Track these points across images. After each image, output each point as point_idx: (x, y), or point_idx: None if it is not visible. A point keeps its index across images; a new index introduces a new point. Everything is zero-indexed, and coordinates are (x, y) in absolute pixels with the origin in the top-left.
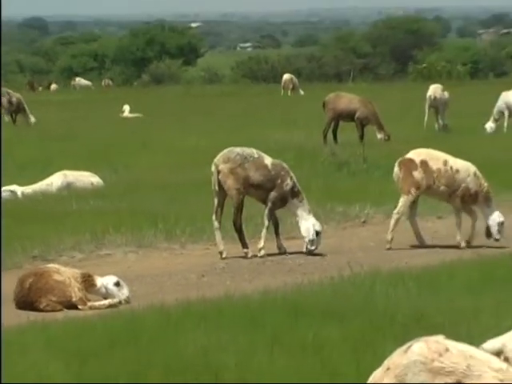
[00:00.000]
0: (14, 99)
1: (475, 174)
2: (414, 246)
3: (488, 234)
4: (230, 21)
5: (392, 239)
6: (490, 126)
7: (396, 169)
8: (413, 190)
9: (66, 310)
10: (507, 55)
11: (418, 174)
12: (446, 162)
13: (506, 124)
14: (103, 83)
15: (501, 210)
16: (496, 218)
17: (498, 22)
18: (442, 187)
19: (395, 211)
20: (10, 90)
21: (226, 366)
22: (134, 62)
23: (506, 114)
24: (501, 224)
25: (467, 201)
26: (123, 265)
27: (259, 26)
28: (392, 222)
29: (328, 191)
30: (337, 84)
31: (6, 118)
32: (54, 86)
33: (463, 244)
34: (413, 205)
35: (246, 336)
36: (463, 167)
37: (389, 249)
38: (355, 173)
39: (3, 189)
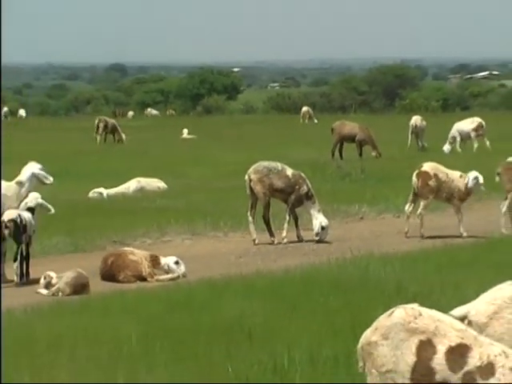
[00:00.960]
0: (109, 124)
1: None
2: (400, 236)
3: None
4: (262, 66)
5: (408, 231)
6: (446, 147)
7: (414, 179)
8: (430, 195)
9: (138, 282)
10: (470, 94)
11: (432, 183)
12: (447, 175)
13: (458, 146)
14: (167, 113)
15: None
16: None
17: (463, 69)
18: (445, 193)
19: (419, 212)
20: (106, 117)
21: (255, 325)
22: (190, 97)
23: (458, 138)
24: None
25: (460, 200)
26: (181, 248)
27: (284, 71)
28: (420, 219)
29: (334, 195)
30: (342, 114)
31: (98, 138)
32: (130, 114)
33: (465, 234)
34: (421, 205)
35: (271, 303)
36: (456, 177)
37: (407, 236)
38: (355, 181)
39: (93, 191)
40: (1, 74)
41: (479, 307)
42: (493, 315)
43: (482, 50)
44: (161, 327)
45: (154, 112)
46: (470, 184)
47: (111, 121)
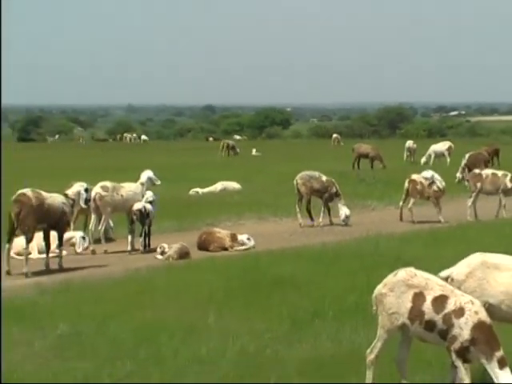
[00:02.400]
0: (230, 144)
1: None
2: (398, 222)
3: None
4: (306, 107)
5: (402, 218)
6: (423, 160)
7: (406, 184)
8: (417, 196)
9: (222, 251)
10: (446, 126)
11: (418, 187)
12: (432, 179)
13: (431, 161)
14: (243, 138)
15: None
16: None
17: (441, 110)
18: (426, 194)
19: (409, 206)
20: (231, 141)
21: (301, 281)
22: (257, 127)
23: (433, 156)
24: None
25: (435, 197)
26: (251, 229)
27: (321, 110)
28: (410, 211)
29: (354, 193)
30: (359, 139)
31: (223, 154)
32: (236, 138)
33: (442, 220)
34: (410, 202)
35: (312, 266)
36: (440, 182)
37: (402, 221)
38: (368, 184)
39: (192, 190)
40: (1, 110)
41: (459, 269)
42: (468, 275)
43: (454, 96)
44: (238, 282)
45: (237, 137)
46: (430, 181)
47: (231, 142)
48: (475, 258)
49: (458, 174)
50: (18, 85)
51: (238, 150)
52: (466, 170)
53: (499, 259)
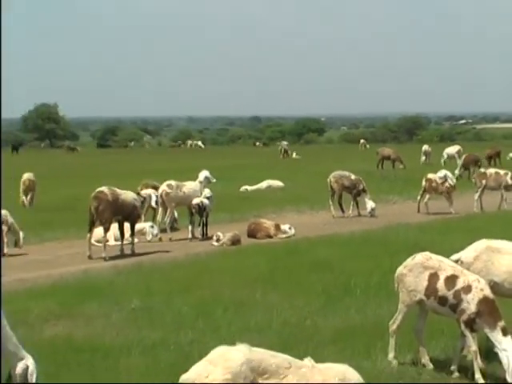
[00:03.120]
0: (287, 148)
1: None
2: (416, 213)
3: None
4: (337, 116)
5: (419, 210)
6: (442, 161)
7: (423, 182)
8: (432, 192)
9: (268, 238)
10: (455, 133)
11: (434, 184)
12: (445, 177)
13: (442, 160)
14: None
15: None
16: None
17: (451, 119)
18: (440, 190)
19: (425, 200)
20: (285, 145)
21: (334, 263)
22: (297, 135)
23: (445, 157)
24: None
25: (447, 192)
26: (292, 219)
27: (350, 119)
28: (426, 205)
29: (379, 189)
30: (382, 144)
31: (281, 156)
32: (284, 143)
33: (453, 212)
34: (426, 197)
35: (343, 250)
36: (451, 179)
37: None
38: (390, 181)
39: (242, 187)
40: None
41: (467, 253)
42: (475, 257)
43: (462, 106)
44: (281, 264)
45: (285, 142)
46: (443, 180)
47: (286, 147)
48: (481, 244)
49: (457, 172)
50: (97, 98)
51: (289, 152)
52: (462, 168)
53: (502, 244)
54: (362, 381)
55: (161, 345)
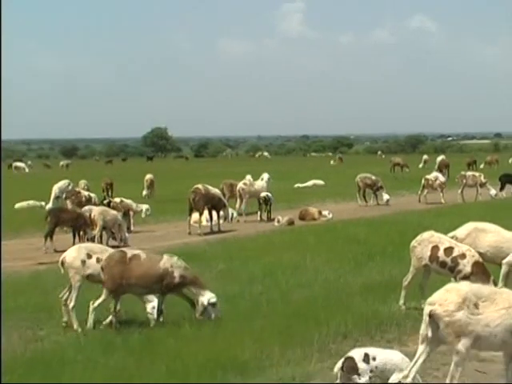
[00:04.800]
0: (341, 157)
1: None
2: (418, 203)
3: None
4: (362, 135)
5: (420, 201)
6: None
7: (423, 181)
8: (429, 188)
9: (313, 221)
10: (445, 146)
11: (430, 182)
12: (437, 177)
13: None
14: (324, 154)
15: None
16: None
17: (442, 136)
18: (435, 186)
19: (424, 194)
20: (340, 155)
21: (358, 237)
22: (334, 148)
23: (437, 164)
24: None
25: (441, 188)
26: (330, 207)
27: (371, 137)
28: (425, 197)
29: (392, 186)
30: (394, 154)
31: (332, 162)
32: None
33: (444, 202)
34: (424, 192)
35: (366, 229)
36: (442, 178)
37: (420, 202)
38: (400, 180)
39: (296, 185)
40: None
41: (460, 232)
42: (466, 235)
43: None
44: (323, 239)
45: (330, 154)
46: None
47: (340, 155)
48: (470, 225)
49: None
50: (194, 121)
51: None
52: (438, 170)
53: (485, 226)
54: None
55: (239, 295)
